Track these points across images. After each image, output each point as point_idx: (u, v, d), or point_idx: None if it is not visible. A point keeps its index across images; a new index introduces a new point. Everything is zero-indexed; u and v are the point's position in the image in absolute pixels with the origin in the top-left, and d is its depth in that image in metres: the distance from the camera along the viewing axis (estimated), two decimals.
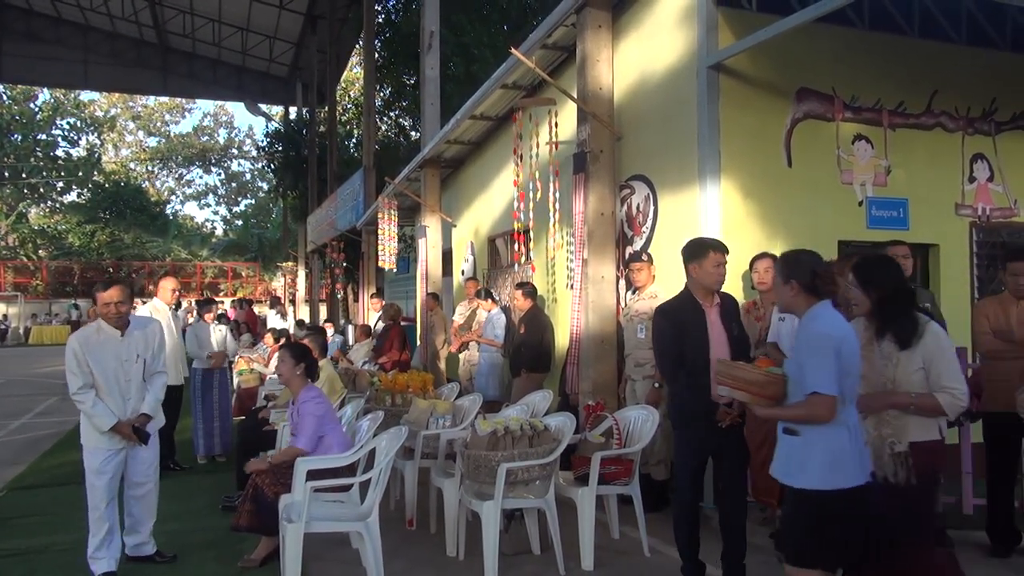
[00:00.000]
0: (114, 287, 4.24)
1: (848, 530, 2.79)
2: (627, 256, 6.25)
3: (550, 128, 6.54)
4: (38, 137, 40.53)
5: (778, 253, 4.77)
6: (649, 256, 5.71)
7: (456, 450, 4.78)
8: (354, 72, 31.07)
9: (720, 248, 3.93)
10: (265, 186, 47.62)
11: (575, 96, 6.28)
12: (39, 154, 40.50)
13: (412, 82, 19.31)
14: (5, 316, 31.43)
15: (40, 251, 37.81)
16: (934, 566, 3.02)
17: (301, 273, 27.68)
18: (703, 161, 5.34)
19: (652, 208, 5.99)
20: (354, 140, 25.85)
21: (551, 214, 6.61)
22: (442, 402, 5.52)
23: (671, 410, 3.95)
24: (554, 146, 6.54)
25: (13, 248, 37.01)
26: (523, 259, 6.91)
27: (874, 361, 3.03)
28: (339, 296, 20.79)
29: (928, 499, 3.05)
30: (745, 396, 2.96)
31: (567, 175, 6.55)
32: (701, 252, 3.88)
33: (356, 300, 23.76)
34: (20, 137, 39.65)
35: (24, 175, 39.57)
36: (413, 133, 21.14)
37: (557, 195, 6.56)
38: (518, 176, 6.61)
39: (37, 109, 40.94)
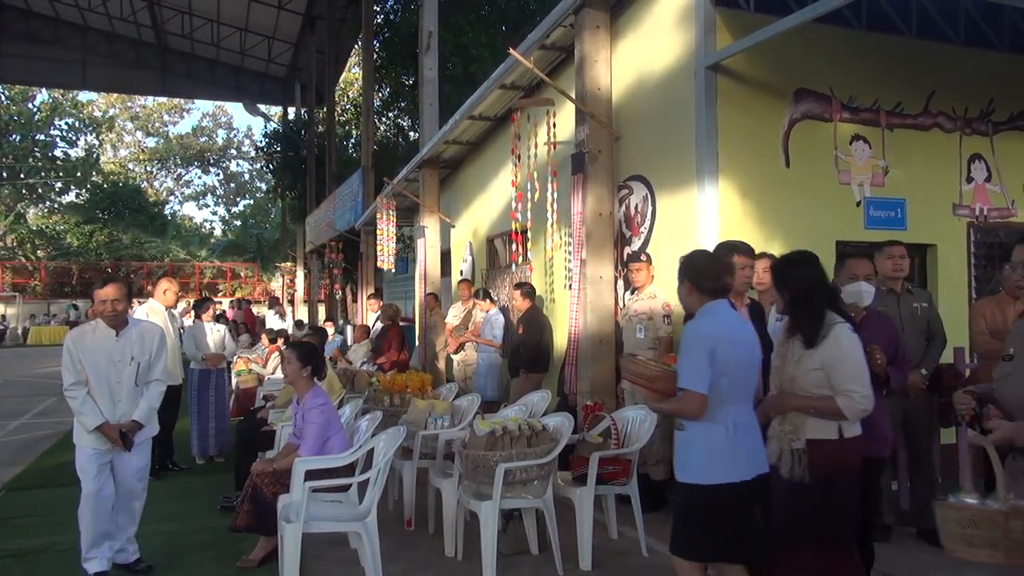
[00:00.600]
0: (111, 284, 4.19)
1: (726, 524, 2.89)
2: (625, 256, 6.26)
3: (548, 128, 6.55)
4: (36, 137, 40.46)
5: (776, 253, 4.81)
6: (648, 256, 5.71)
7: (454, 450, 4.78)
8: (353, 73, 31.06)
9: (744, 251, 3.93)
10: (264, 186, 47.61)
11: (573, 96, 6.29)
12: (37, 154, 40.44)
13: (411, 83, 19.31)
14: (3, 317, 31.41)
15: (38, 251, 37.78)
16: (833, 567, 2.96)
17: (300, 273, 27.67)
18: (701, 161, 5.34)
19: (650, 208, 6.00)
20: (353, 140, 25.84)
21: (549, 214, 6.62)
22: (440, 402, 5.53)
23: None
24: (552, 146, 6.55)
25: (11, 248, 36.98)
26: (521, 259, 6.91)
27: (786, 358, 3.08)
28: (338, 296, 20.78)
29: (827, 498, 2.95)
30: (642, 390, 3.06)
31: (565, 175, 6.55)
32: (727, 253, 3.89)
33: (355, 300, 23.77)
34: (18, 137, 39.59)
35: (22, 175, 39.53)
36: (412, 134, 21.13)
37: (555, 195, 6.57)
38: (516, 176, 6.62)
39: (35, 109, 40.88)
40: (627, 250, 6.30)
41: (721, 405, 2.90)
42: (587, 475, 4.39)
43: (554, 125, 6.54)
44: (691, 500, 2.98)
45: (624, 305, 6.03)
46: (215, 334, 7.56)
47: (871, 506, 3.64)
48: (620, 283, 6.36)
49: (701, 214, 5.32)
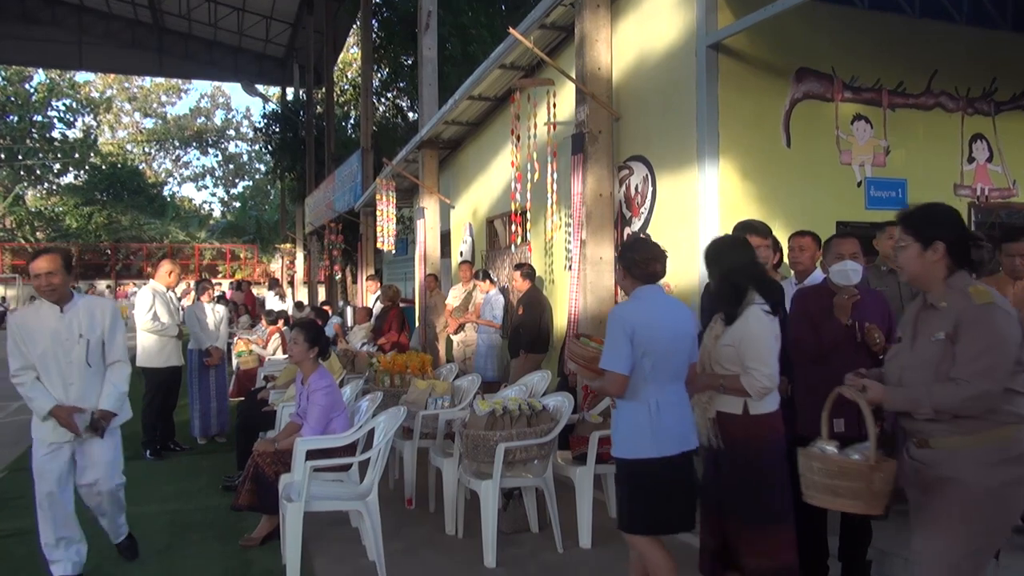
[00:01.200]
0: (43, 256, 3.83)
1: (653, 497, 3.04)
2: (625, 237, 6.26)
3: (548, 109, 6.52)
4: (34, 118, 40.22)
5: (777, 234, 4.81)
6: (646, 237, 5.70)
7: (455, 430, 4.81)
8: (351, 53, 30.84)
9: (759, 231, 3.86)
10: (263, 168, 47.45)
11: (574, 76, 6.26)
12: (35, 135, 40.23)
13: (410, 63, 19.19)
14: (3, 298, 31.42)
15: (38, 233, 37.67)
16: (771, 540, 3.05)
17: (299, 255, 27.64)
18: (702, 142, 5.32)
19: (651, 189, 5.98)
20: (351, 121, 25.72)
21: (549, 195, 6.60)
22: (441, 383, 5.54)
23: None
24: (552, 127, 6.52)
25: (10, 230, 36.89)
26: (520, 240, 6.90)
27: (710, 336, 3.24)
28: (337, 278, 20.78)
29: (745, 472, 3.05)
30: (580, 369, 3.33)
31: (565, 156, 6.53)
32: (742, 233, 3.80)
33: (355, 282, 23.77)
34: (16, 118, 39.37)
35: (20, 157, 39.36)
36: (411, 114, 21.03)
37: (555, 176, 6.55)
38: (516, 157, 6.60)
39: (32, 90, 40.60)
40: (627, 231, 6.30)
41: (645, 385, 3.04)
42: (587, 454, 4.42)
43: (554, 105, 6.50)
44: (620, 474, 3.18)
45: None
46: (215, 315, 7.57)
47: None
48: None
49: (702, 194, 5.31)
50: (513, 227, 6.70)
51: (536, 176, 6.61)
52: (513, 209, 6.65)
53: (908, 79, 5.91)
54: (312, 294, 24.27)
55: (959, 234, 2.53)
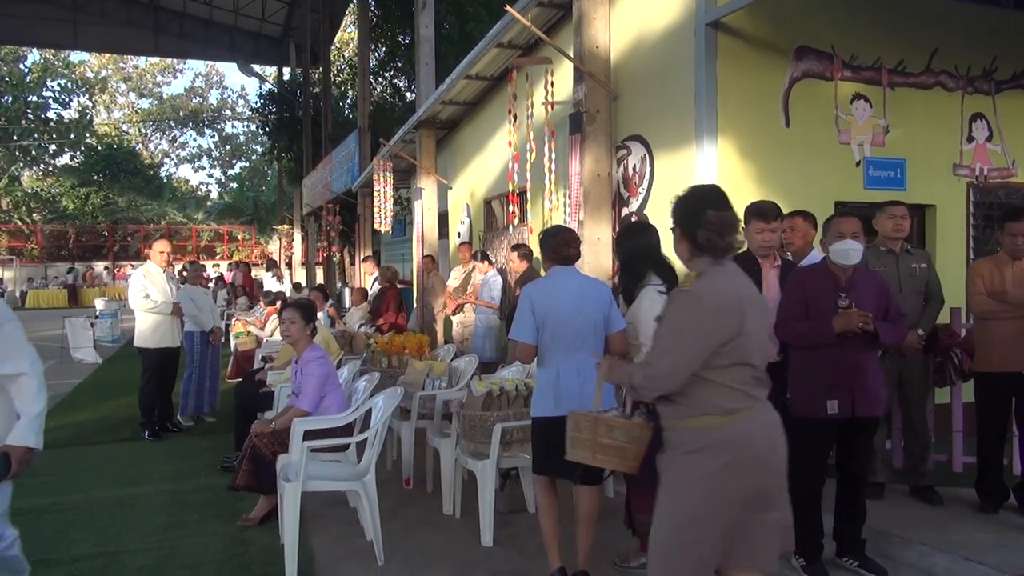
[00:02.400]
0: None
1: (545, 448, 3.44)
2: (622, 217, 6.24)
3: (546, 88, 6.47)
4: (28, 99, 39.98)
5: None
6: (642, 217, 5.68)
7: (452, 411, 4.81)
8: (348, 32, 30.60)
9: (765, 215, 3.86)
10: (259, 149, 47.23)
11: (571, 55, 6.20)
12: (30, 116, 40.00)
13: (407, 42, 19.03)
14: (1, 280, 31.38)
15: (34, 215, 37.59)
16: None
17: (297, 236, 27.58)
18: (700, 121, 5.29)
19: (648, 169, 5.95)
20: (349, 101, 25.56)
21: (547, 175, 6.57)
22: (438, 363, 5.54)
23: None
24: (550, 106, 6.47)
25: (7, 212, 36.78)
26: (518, 221, 6.87)
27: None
28: (335, 259, 20.75)
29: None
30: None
31: (563, 136, 6.49)
32: (748, 217, 3.92)
33: (352, 263, 23.74)
34: (10, 99, 39.12)
35: (15, 137, 39.14)
36: (408, 94, 20.88)
37: (553, 156, 6.51)
38: (513, 137, 6.55)
39: (27, 70, 40.32)
40: (625, 211, 6.28)
41: (548, 353, 3.47)
42: None
43: (552, 84, 6.45)
44: (534, 430, 3.59)
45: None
46: (207, 296, 7.60)
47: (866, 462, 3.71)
48: None
49: (700, 174, 5.28)
50: (511, 207, 6.67)
51: (533, 156, 6.57)
52: (511, 189, 6.62)
53: (908, 58, 5.86)
54: (310, 275, 24.26)
55: (686, 217, 2.44)
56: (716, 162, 5.26)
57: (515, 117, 6.54)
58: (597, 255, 6.11)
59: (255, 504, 4.56)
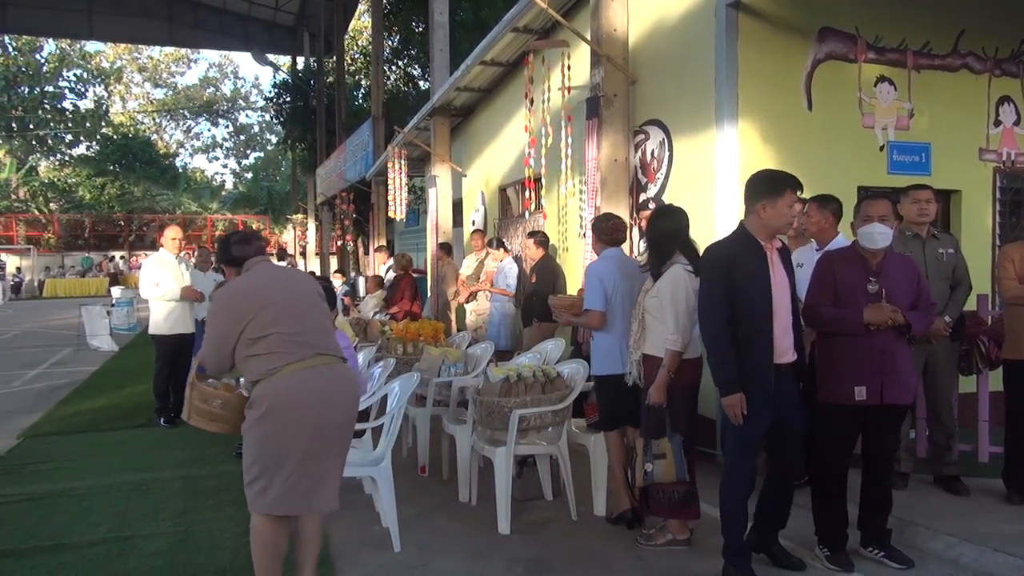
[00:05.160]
0: None
1: (618, 401, 3.99)
2: (640, 202, 6.16)
3: (563, 72, 6.38)
4: (45, 89, 40.20)
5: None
6: (659, 204, 5.59)
7: (468, 397, 4.76)
8: (361, 21, 30.52)
9: (797, 186, 3.40)
10: (273, 139, 47.30)
11: (588, 38, 6.10)
12: (46, 106, 40.22)
13: (420, 30, 18.94)
14: (19, 269, 31.64)
15: (51, 204, 37.83)
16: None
17: (311, 226, 27.61)
18: (720, 105, 5.19)
19: (667, 154, 5.86)
20: (362, 90, 25.51)
21: (563, 161, 6.48)
22: (453, 350, 5.49)
23: (715, 376, 3.36)
24: (567, 91, 6.38)
25: (24, 201, 37.04)
26: (534, 207, 6.79)
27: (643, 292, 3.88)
28: (349, 248, 20.74)
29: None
30: (562, 314, 4.43)
31: (579, 121, 6.40)
32: (776, 189, 3.34)
33: (366, 252, 23.74)
34: (27, 89, 39.34)
35: (32, 127, 39.38)
36: (422, 83, 20.80)
37: (570, 141, 6.43)
38: (529, 122, 6.47)
39: (43, 60, 40.52)
40: (643, 196, 6.19)
41: (612, 320, 4.07)
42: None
43: (569, 68, 6.36)
44: (599, 388, 4.23)
45: (639, 253, 5.94)
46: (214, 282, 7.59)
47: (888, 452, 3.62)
48: (635, 231, 6.26)
49: (720, 158, 5.19)
50: (527, 193, 6.59)
51: (550, 141, 6.48)
52: (527, 175, 6.53)
53: (934, 39, 5.73)
54: (324, 265, 24.27)
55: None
56: (737, 146, 5.16)
57: (531, 101, 6.45)
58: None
59: None
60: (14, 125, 39.04)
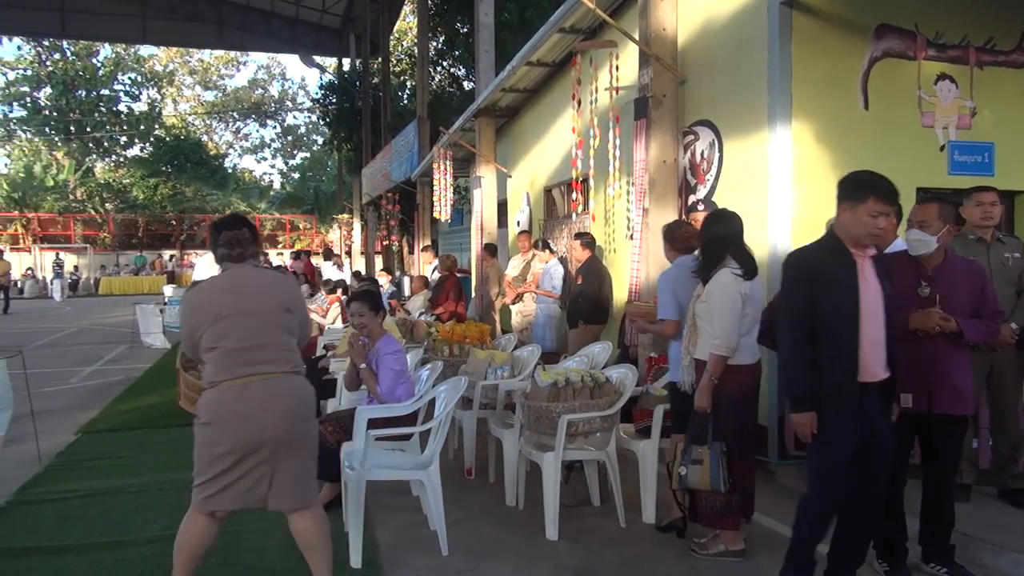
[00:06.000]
0: None
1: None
2: (689, 204, 6.07)
3: (611, 72, 6.32)
4: (101, 92, 41.39)
5: None
6: (708, 205, 5.50)
7: (515, 401, 4.75)
8: (406, 22, 30.74)
9: (887, 195, 2.99)
10: (319, 139, 47.91)
11: (637, 38, 6.04)
12: (102, 109, 41.40)
13: (465, 31, 18.98)
14: (76, 267, 32.61)
15: (107, 204, 38.87)
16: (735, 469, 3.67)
17: (357, 225, 27.90)
18: (773, 104, 5.09)
19: (717, 155, 5.76)
20: (407, 91, 25.69)
21: (611, 162, 6.42)
22: (500, 353, 5.48)
23: (787, 391, 3.19)
24: (615, 91, 6.33)
25: (81, 202, 38.15)
26: (581, 208, 6.74)
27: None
28: (395, 248, 20.91)
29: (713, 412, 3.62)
30: (639, 322, 4.49)
31: (627, 121, 6.34)
32: (858, 194, 3.00)
33: (411, 252, 23.89)
34: (84, 93, 40.55)
35: (88, 129, 40.57)
36: (467, 83, 20.86)
37: (617, 142, 6.36)
38: (577, 123, 6.42)
39: (99, 65, 41.72)
40: (691, 198, 6.10)
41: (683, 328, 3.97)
42: (650, 428, 4.31)
43: (617, 69, 6.30)
44: (671, 394, 4.19)
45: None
46: None
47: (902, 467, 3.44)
48: None
49: (773, 160, 5.08)
50: (574, 195, 6.55)
51: (597, 142, 6.43)
52: (574, 176, 6.49)
53: (998, 35, 5.52)
54: (369, 264, 24.50)
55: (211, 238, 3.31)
56: (790, 147, 5.05)
57: (579, 102, 6.41)
58: (662, 243, 5.94)
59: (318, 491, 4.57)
60: (72, 128, 40.27)
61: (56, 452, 5.92)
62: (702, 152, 5.95)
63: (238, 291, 3.12)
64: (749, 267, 3.68)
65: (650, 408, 4.41)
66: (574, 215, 7.57)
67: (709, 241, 3.79)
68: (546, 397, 4.08)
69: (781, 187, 5.06)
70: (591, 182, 6.63)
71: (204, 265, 6.92)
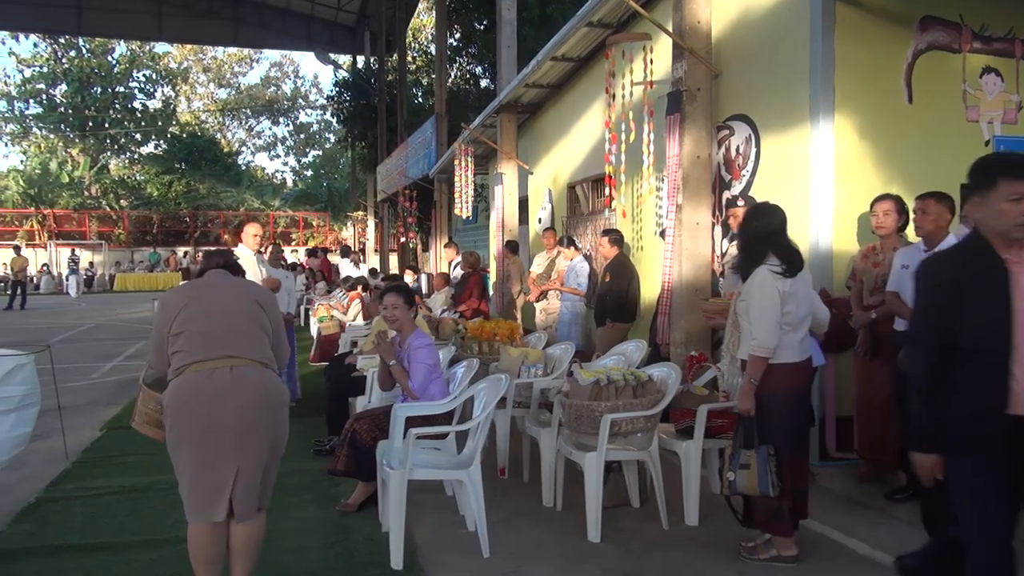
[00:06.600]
0: None
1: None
2: (724, 201, 5.96)
3: (645, 65, 6.22)
4: (116, 90, 41.57)
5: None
6: (748, 200, 5.38)
7: (551, 399, 4.66)
8: (420, 19, 30.70)
9: (1017, 171, 2.44)
10: (332, 137, 47.96)
11: (670, 30, 5.93)
12: (117, 106, 41.58)
13: (482, 28, 18.90)
14: (91, 263, 32.74)
15: (121, 201, 39.04)
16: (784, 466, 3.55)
17: (371, 223, 27.88)
18: (815, 98, 4.97)
19: (754, 150, 5.65)
20: (421, 89, 25.65)
21: (646, 157, 6.31)
22: (533, 351, 5.39)
23: (910, 422, 2.60)
24: (649, 85, 6.22)
25: (96, 198, 38.31)
26: (613, 204, 6.64)
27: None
28: (412, 245, 20.86)
29: (759, 411, 3.51)
30: (719, 319, 4.27)
31: (659, 116, 6.23)
32: (985, 179, 2.48)
33: (425, 250, 23.84)
34: (99, 90, 40.73)
35: (106, 125, 40.77)
36: (483, 80, 20.78)
37: (651, 137, 6.26)
38: (611, 117, 6.31)
39: (114, 62, 41.90)
40: (726, 195, 5.99)
41: None
42: (691, 427, 4.21)
43: (651, 62, 6.19)
44: None
45: (724, 253, 5.76)
46: (288, 279, 7.68)
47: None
48: (717, 229, 6.06)
49: (814, 155, 4.97)
50: (607, 190, 6.44)
51: (633, 136, 6.32)
52: (608, 172, 6.38)
53: None
54: (383, 261, 24.48)
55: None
56: (833, 143, 4.93)
57: (613, 96, 6.30)
58: (696, 240, 5.84)
59: (350, 489, 4.50)
60: (87, 125, 40.46)
61: (82, 448, 5.88)
62: (737, 147, 5.84)
63: (213, 286, 3.21)
64: (791, 263, 3.53)
65: (689, 407, 4.30)
66: (607, 211, 7.48)
67: (750, 238, 3.66)
68: (588, 396, 3.99)
69: (823, 182, 4.95)
70: (622, 177, 6.52)
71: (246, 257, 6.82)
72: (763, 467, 3.46)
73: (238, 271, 3.43)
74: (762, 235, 3.60)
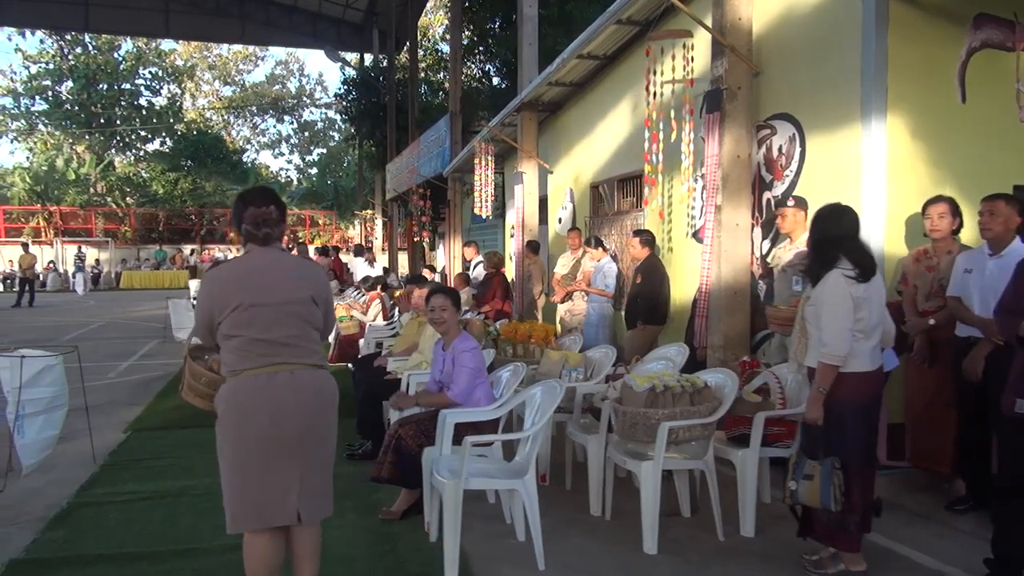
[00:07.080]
0: None
1: None
2: (765, 201, 5.84)
3: (686, 63, 6.09)
4: (122, 87, 41.45)
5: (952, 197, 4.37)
6: (798, 200, 5.26)
7: (597, 405, 4.54)
8: (428, 18, 30.57)
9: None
10: (336, 135, 47.83)
11: (711, 27, 5.80)
12: (123, 103, 41.47)
13: (495, 26, 18.78)
14: (98, 261, 32.64)
15: (127, 198, 38.95)
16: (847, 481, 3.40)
17: (379, 222, 27.75)
18: (867, 98, 4.84)
19: (798, 150, 5.52)
20: (430, 87, 25.52)
21: (684, 157, 6.19)
22: (574, 354, 5.27)
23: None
24: (690, 83, 6.10)
25: (102, 195, 38.22)
26: (650, 204, 6.52)
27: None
28: (425, 243, 20.75)
29: (827, 422, 3.39)
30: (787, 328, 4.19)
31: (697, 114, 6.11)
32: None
33: (432, 249, 23.72)
34: (105, 87, 40.61)
35: (117, 122, 40.65)
36: (495, 79, 20.65)
37: (691, 136, 6.13)
38: (651, 116, 6.18)
39: (121, 59, 41.77)
40: (766, 195, 5.86)
41: None
42: (744, 435, 4.08)
43: (692, 60, 6.07)
44: None
45: (770, 254, 5.63)
46: None
47: None
48: (757, 231, 5.94)
49: (866, 155, 4.84)
50: (646, 190, 6.32)
51: (675, 135, 6.20)
52: (647, 172, 6.26)
53: None
54: (392, 260, 24.35)
55: (234, 215, 3.04)
56: (885, 143, 4.81)
57: (653, 95, 6.17)
58: (735, 241, 5.72)
59: (389, 495, 4.39)
60: (94, 122, 40.34)
61: (109, 451, 5.76)
62: (780, 147, 5.71)
63: (262, 278, 2.87)
64: (865, 267, 3.39)
65: (742, 415, 4.18)
66: (645, 211, 7.35)
67: (820, 241, 3.49)
68: (643, 403, 3.86)
69: (875, 184, 4.82)
70: (659, 177, 6.39)
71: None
72: (826, 479, 3.34)
73: (281, 230, 3.02)
74: (834, 237, 3.44)
